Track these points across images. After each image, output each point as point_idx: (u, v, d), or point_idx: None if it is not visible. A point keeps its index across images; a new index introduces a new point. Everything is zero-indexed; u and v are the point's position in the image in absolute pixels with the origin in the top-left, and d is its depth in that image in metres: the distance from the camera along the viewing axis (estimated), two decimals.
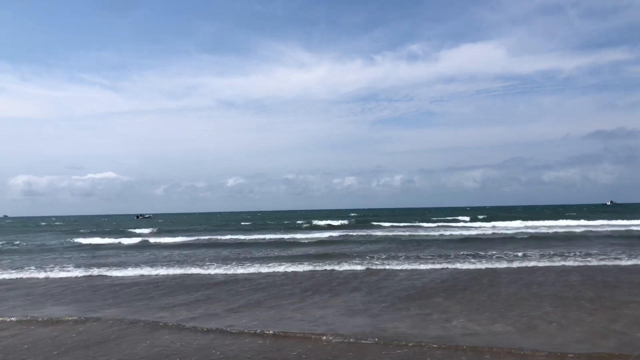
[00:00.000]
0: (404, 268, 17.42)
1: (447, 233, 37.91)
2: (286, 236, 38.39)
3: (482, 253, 21.67)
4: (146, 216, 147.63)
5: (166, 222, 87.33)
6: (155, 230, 53.01)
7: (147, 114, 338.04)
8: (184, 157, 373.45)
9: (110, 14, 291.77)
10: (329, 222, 62.40)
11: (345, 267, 18.06)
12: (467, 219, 67.00)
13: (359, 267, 17.85)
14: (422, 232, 40.05)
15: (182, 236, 40.22)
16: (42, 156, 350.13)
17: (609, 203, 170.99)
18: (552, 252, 21.10)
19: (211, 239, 37.66)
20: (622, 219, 52.57)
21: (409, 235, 36.46)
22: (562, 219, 56.48)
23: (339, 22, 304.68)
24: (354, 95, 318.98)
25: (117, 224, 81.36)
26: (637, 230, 35.41)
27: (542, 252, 21.17)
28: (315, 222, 63.67)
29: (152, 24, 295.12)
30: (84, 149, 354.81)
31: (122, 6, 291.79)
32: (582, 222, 49.06)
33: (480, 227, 45.81)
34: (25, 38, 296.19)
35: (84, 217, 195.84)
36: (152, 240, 36.71)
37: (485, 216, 72.48)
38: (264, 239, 36.21)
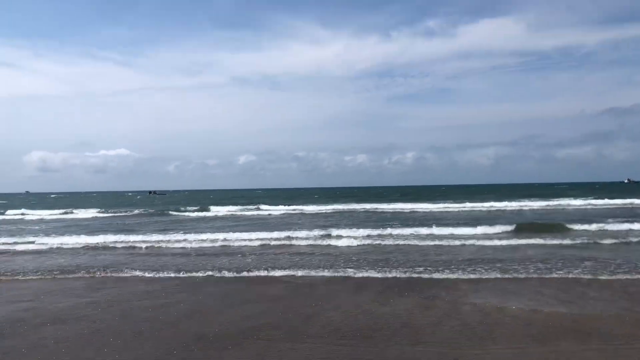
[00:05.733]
0: None
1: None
2: None
3: None
4: (159, 193, 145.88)
5: (176, 199, 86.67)
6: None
7: (161, 91, 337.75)
8: (196, 134, 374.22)
9: None
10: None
11: None
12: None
13: None
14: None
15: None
16: (56, 133, 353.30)
17: (626, 181, 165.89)
18: None
19: None
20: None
21: None
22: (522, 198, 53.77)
23: None
24: (369, 72, 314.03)
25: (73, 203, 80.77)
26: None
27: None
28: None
29: None
30: (97, 125, 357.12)
31: None
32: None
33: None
34: (38, 13, 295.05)
35: (86, 194, 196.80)
36: None
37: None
38: None
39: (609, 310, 7.77)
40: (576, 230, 20.18)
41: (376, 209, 42.43)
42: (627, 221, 21.46)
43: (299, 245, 17.51)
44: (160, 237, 20.72)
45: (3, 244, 19.47)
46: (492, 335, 6.58)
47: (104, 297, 9.72)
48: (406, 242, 17.44)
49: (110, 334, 7.07)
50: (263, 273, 12.09)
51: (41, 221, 36.95)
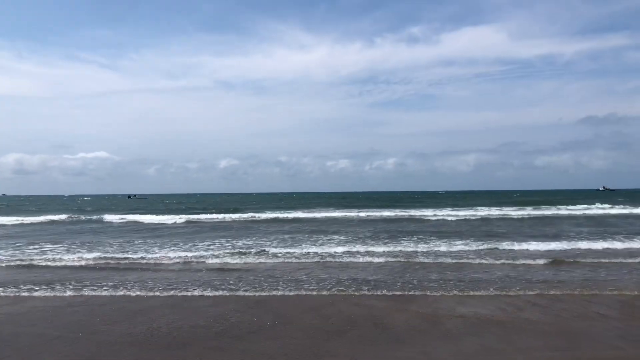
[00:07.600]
0: None
1: None
2: None
3: None
4: (140, 196, 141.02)
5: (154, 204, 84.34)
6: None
7: (144, 94, 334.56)
8: (178, 137, 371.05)
9: None
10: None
11: None
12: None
13: None
14: None
15: None
16: (34, 134, 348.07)
17: (601, 189, 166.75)
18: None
19: None
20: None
21: None
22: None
23: (339, 3, 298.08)
24: (353, 78, 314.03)
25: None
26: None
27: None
28: None
29: (151, 1, 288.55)
30: (76, 128, 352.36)
31: None
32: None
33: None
34: (21, 14, 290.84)
35: (57, 197, 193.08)
36: None
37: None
38: None
39: None
40: None
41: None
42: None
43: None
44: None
45: None
46: None
47: None
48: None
49: None
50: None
51: None
